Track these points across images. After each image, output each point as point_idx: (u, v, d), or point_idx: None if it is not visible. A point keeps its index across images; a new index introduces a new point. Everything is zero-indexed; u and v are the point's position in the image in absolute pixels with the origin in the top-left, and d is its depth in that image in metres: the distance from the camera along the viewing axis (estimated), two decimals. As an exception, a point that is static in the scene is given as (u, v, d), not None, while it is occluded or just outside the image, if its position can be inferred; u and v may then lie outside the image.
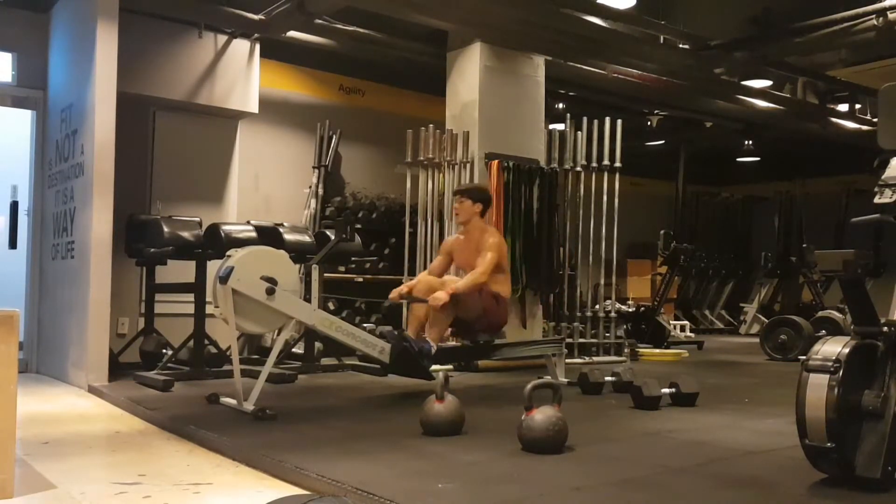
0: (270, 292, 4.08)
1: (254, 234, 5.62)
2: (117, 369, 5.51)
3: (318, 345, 6.28)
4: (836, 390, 2.62)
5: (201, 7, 6.50)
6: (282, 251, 4.52)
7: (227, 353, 5.67)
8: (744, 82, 8.99)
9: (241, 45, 7.01)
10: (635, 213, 10.77)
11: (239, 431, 3.62)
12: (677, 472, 3.01)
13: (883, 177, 2.91)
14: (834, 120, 9.90)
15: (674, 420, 4.15)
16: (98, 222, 5.31)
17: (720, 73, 8.59)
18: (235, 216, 7.10)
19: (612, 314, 7.47)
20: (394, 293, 5.02)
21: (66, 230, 5.87)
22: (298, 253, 5.72)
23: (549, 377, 4.34)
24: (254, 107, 7.10)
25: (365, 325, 6.40)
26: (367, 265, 7.57)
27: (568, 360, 6.09)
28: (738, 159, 12.58)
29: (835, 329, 7.87)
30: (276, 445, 3.28)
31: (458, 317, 4.75)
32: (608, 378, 5.10)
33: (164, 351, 5.84)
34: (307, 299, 5.25)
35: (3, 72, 6.36)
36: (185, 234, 5.66)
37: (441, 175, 6.70)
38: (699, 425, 4.03)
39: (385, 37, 7.18)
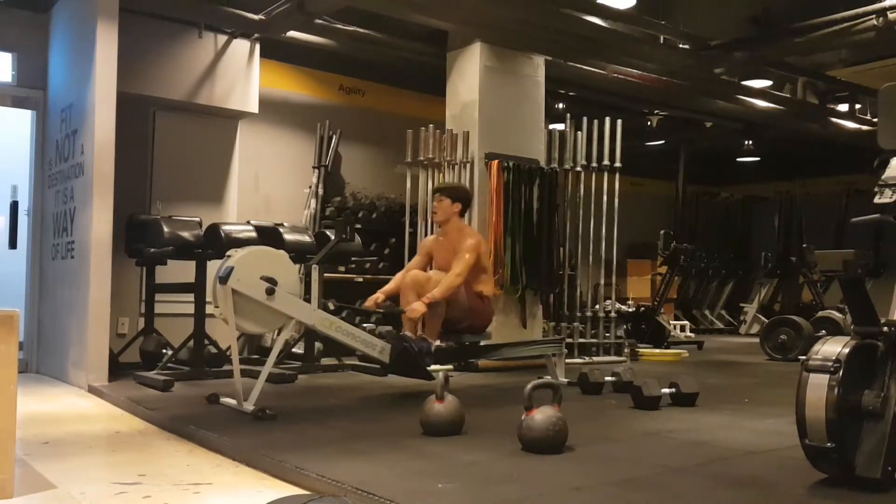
0: (270, 292, 4.08)
1: (254, 234, 5.62)
2: (117, 369, 5.51)
3: (318, 345, 6.29)
4: (836, 390, 2.61)
5: (201, 7, 6.50)
6: (282, 251, 4.52)
7: (227, 353, 5.67)
8: (744, 82, 8.98)
9: (241, 45, 7.01)
10: (635, 213, 10.78)
11: (239, 431, 3.62)
12: (677, 472, 3.01)
13: (883, 177, 2.91)
14: (834, 120, 9.90)
15: (674, 420, 4.15)
16: (98, 222, 5.31)
17: (720, 73, 8.59)
18: (235, 216, 7.10)
19: (612, 314, 7.47)
20: (369, 301, 4.93)
21: (66, 230, 5.86)
22: (298, 253, 5.71)
23: (549, 377, 4.34)
24: (254, 107, 7.11)
25: (365, 325, 6.40)
26: (367, 265, 7.56)
27: (568, 360, 6.09)
28: (738, 159, 12.57)
29: (835, 329, 7.87)
30: (276, 445, 3.28)
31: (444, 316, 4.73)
32: (608, 378, 5.09)
33: (164, 351, 5.84)
34: (307, 299, 5.24)
35: (3, 72, 6.35)
36: (185, 234, 5.65)
37: (441, 175, 6.70)
38: (699, 425, 4.03)
39: (385, 37, 7.18)
